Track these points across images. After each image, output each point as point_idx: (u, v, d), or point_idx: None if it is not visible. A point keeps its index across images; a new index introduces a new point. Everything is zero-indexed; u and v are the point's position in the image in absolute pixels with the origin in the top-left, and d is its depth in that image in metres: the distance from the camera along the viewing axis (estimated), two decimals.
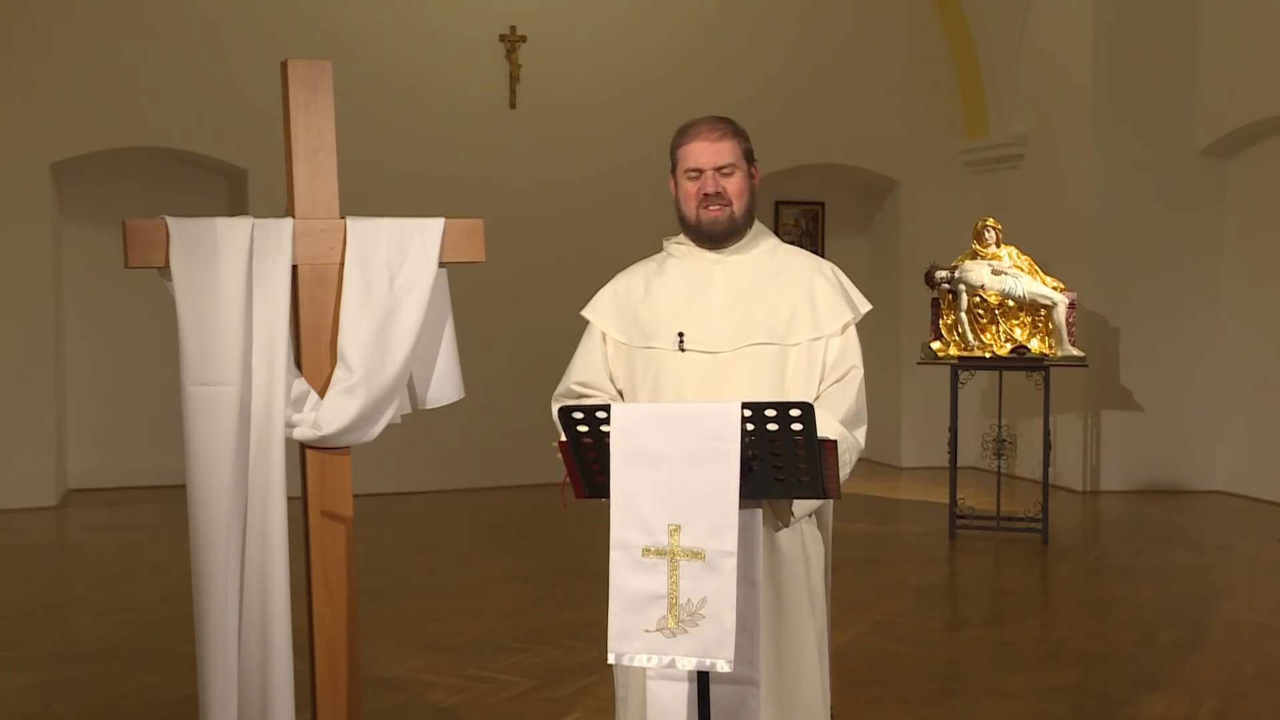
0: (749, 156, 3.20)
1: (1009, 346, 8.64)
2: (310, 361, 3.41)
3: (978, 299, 8.65)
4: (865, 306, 3.25)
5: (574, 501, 2.92)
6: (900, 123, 11.64)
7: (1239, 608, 6.76)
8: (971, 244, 8.84)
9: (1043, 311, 8.60)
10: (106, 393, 10.44)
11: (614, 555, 2.71)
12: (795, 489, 2.79)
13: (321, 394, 3.38)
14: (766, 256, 3.25)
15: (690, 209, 3.18)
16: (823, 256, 3.37)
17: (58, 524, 9.30)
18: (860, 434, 3.11)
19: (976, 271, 8.62)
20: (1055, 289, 8.57)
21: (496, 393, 9.97)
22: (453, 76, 10.55)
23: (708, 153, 3.13)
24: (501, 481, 10.51)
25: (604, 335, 3.29)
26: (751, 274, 3.21)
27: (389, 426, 3.47)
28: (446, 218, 3.52)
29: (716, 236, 3.19)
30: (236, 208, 10.27)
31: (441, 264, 3.48)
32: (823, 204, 12.27)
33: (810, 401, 2.86)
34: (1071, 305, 8.54)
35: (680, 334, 3.16)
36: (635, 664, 2.72)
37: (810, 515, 3.14)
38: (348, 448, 3.46)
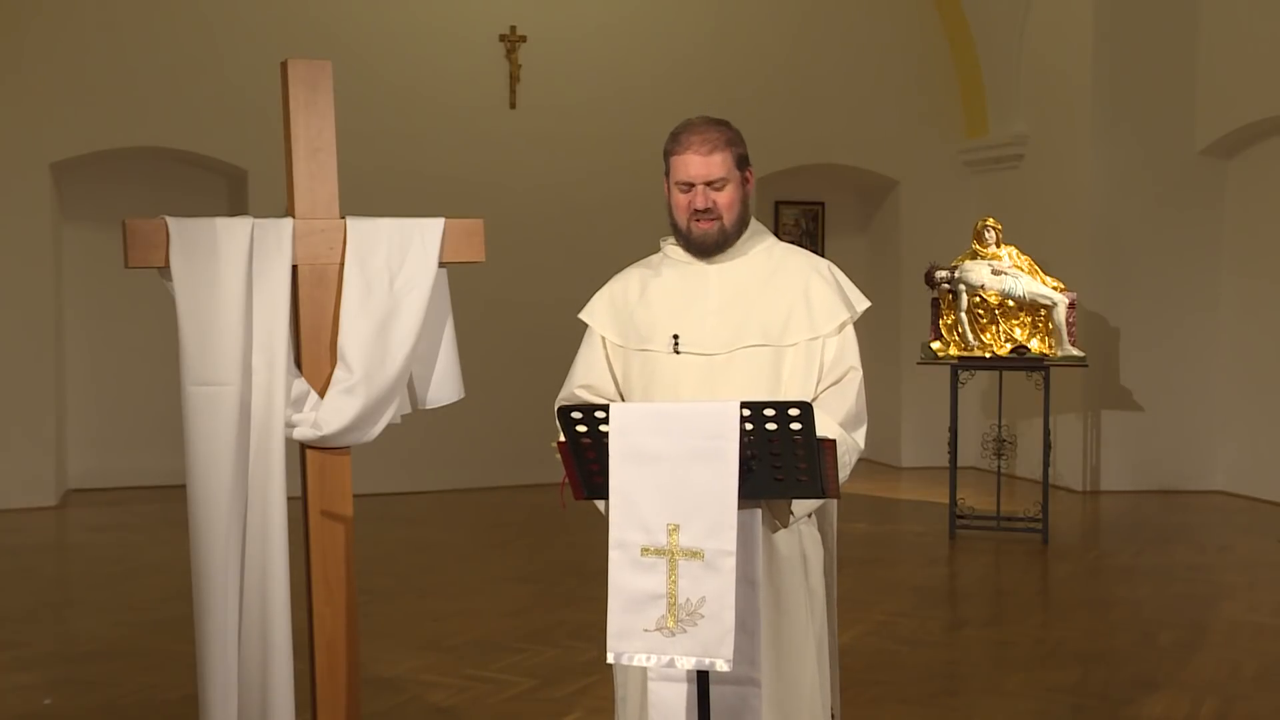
0: (742, 164, 3.15)
1: (1009, 346, 8.65)
2: (310, 361, 3.41)
3: (978, 299, 8.65)
4: (863, 304, 3.23)
5: (573, 502, 2.92)
6: (900, 123, 11.64)
7: (1239, 608, 6.76)
8: (971, 244, 8.84)
9: (1043, 311, 8.60)
10: (106, 393, 10.44)
11: (613, 555, 2.71)
12: (794, 489, 2.79)
13: (321, 394, 3.38)
14: (763, 257, 3.23)
15: (681, 219, 3.17)
16: (822, 256, 3.35)
17: (58, 524, 9.30)
18: (859, 435, 3.10)
19: (976, 271, 8.62)
20: (1055, 289, 8.57)
21: (496, 393, 9.98)
22: (453, 76, 10.55)
23: (698, 167, 3.10)
24: (501, 481, 10.51)
25: (603, 338, 3.29)
26: (747, 275, 3.20)
27: (389, 426, 3.47)
28: (446, 218, 3.53)
29: (707, 249, 3.18)
30: (236, 208, 10.27)
31: (441, 264, 3.49)
32: (823, 204, 12.28)
33: (809, 401, 2.86)
34: (1071, 305, 8.54)
35: (675, 336, 3.15)
36: (634, 663, 2.72)
37: (810, 516, 3.13)
38: (348, 448, 3.46)
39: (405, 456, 9.76)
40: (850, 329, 3.19)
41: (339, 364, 3.38)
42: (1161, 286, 10.32)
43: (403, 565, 7.84)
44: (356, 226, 3.42)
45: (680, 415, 2.71)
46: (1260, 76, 9.64)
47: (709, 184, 3.11)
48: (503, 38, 10.67)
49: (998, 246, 8.72)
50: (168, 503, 8.84)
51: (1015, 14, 10.96)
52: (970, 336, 8.64)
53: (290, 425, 3.34)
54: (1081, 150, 10.41)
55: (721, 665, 2.66)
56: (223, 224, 3.27)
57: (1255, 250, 10.08)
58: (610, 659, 2.72)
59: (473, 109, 10.59)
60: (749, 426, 2.68)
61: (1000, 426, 8.95)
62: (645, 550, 2.70)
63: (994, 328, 8.69)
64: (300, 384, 3.37)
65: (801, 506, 3.02)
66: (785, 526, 3.06)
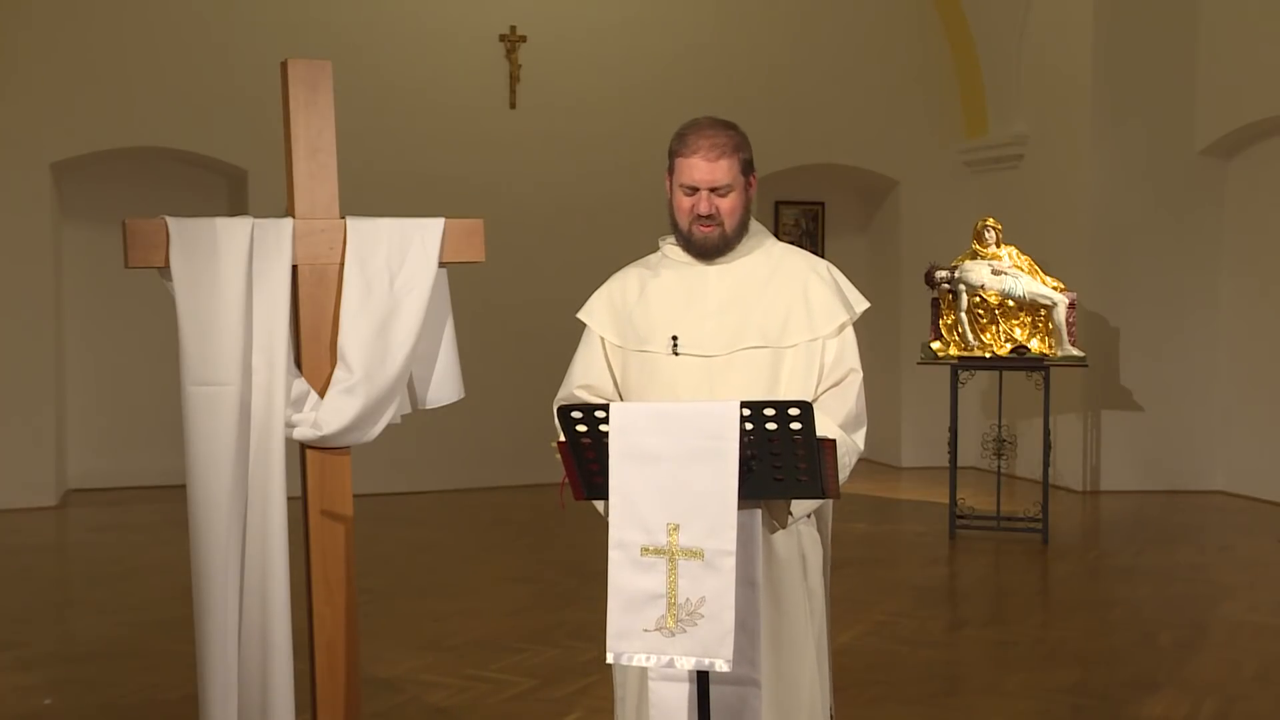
0: (747, 169, 3.14)
1: (1009, 346, 8.65)
2: (310, 361, 3.41)
3: (978, 299, 8.65)
4: (862, 305, 3.22)
5: (573, 502, 2.92)
6: (900, 123, 11.64)
7: (1239, 608, 6.76)
8: (971, 244, 8.84)
9: (1043, 311, 8.60)
10: (106, 393, 10.44)
11: (613, 555, 2.71)
12: (794, 489, 2.79)
13: (321, 394, 3.38)
14: (762, 258, 3.22)
15: (683, 222, 3.15)
16: (822, 257, 3.35)
17: (58, 524, 9.30)
18: (859, 437, 3.10)
19: (976, 271, 8.62)
20: (1055, 289, 8.57)
21: (496, 393, 9.97)
22: (453, 76, 10.55)
23: (704, 172, 3.07)
24: (501, 481, 10.51)
25: (602, 338, 3.28)
26: (746, 276, 3.19)
27: (389, 426, 3.48)
28: (446, 218, 3.53)
29: (707, 252, 3.17)
30: (236, 208, 10.27)
31: (441, 264, 3.49)
32: (823, 204, 12.28)
33: (809, 401, 2.86)
34: (1071, 305, 8.54)
35: (674, 338, 3.14)
36: (634, 663, 2.72)
37: (809, 516, 3.13)
38: (348, 448, 3.46)
39: (405, 456, 9.76)
40: (850, 330, 3.19)
41: (339, 364, 3.38)
42: (1162, 286, 10.32)
43: (403, 565, 7.84)
44: (356, 226, 3.42)
45: (680, 415, 2.71)
46: (1260, 76, 9.64)
47: (714, 189, 3.09)
48: (503, 38, 10.67)
49: (998, 246, 8.72)
50: (168, 503, 8.83)
51: (1015, 14, 10.95)
52: (970, 336, 8.64)
53: (290, 425, 3.34)
54: (1081, 150, 10.41)
55: (721, 665, 2.66)
56: (223, 224, 3.27)
57: (1255, 250, 10.08)
58: (610, 659, 2.72)
59: (473, 109, 10.59)
60: (749, 426, 2.68)
61: (1000, 426, 8.95)
62: (645, 550, 2.70)
63: (994, 328, 8.69)
64: (300, 384, 3.37)
65: (800, 507, 3.02)
66: (784, 527, 3.06)
